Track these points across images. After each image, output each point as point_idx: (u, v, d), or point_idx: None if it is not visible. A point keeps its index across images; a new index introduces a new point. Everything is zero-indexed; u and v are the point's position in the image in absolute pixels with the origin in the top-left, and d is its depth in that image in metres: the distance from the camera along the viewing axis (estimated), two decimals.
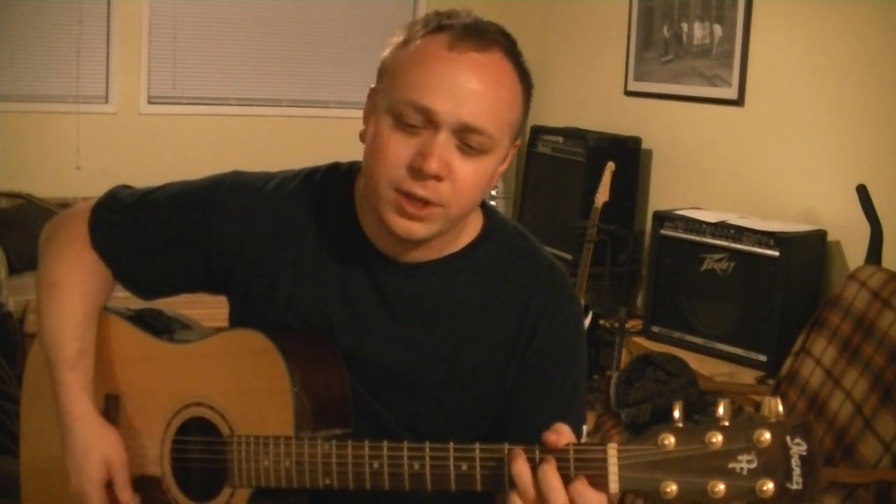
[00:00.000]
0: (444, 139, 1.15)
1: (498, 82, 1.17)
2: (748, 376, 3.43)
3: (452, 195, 1.17)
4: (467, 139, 1.15)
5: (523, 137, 5.34)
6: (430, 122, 1.14)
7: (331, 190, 1.31)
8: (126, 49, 4.90)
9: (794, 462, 0.96)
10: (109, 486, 1.33)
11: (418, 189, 1.15)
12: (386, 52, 1.22)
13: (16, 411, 1.51)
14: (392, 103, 1.16)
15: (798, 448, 0.96)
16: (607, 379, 3.07)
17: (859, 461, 2.44)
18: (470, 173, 1.17)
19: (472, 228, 1.30)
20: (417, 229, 1.18)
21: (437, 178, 1.15)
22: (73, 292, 1.35)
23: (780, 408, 0.98)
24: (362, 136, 1.24)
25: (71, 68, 4.81)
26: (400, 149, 1.15)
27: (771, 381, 3.15)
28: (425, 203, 1.16)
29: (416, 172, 1.14)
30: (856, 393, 2.55)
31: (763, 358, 3.46)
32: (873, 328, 2.59)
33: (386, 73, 1.21)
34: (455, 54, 1.15)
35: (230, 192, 1.32)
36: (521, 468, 1.05)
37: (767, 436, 0.97)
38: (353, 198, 1.29)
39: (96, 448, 1.31)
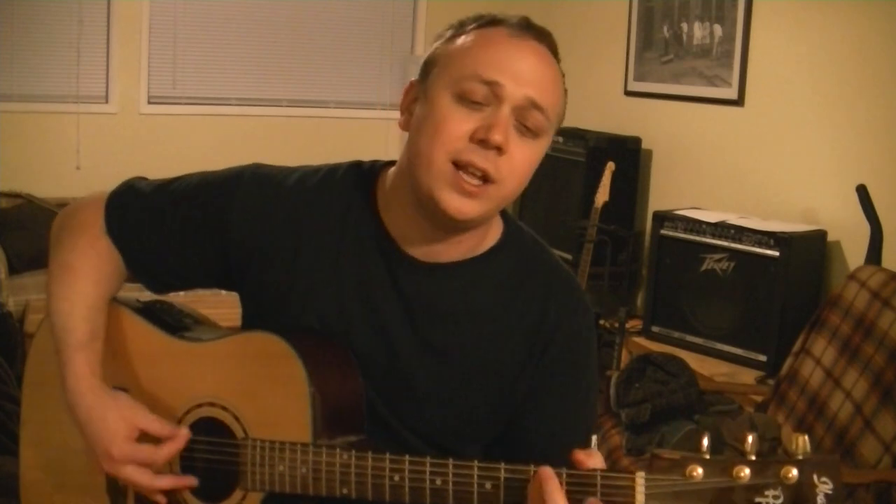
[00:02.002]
0: (507, 113, 1.16)
1: (554, 71, 1.22)
2: (748, 376, 3.43)
3: (508, 173, 1.17)
4: (527, 118, 1.17)
5: None
6: (496, 96, 1.16)
7: (353, 187, 1.30)
8: (126, 49, 4.90)
9: (820, 500, 0.97)
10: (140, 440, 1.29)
11: (479, 160, 1.15)
12: (434, 47, 1.24)
13: (16, 411, 1.49)
14: (454, 80, 1.18)
15: (824, 486, 0.97)
16: (607, 379, 3.06)
17: (859, 461, 2.44)
18: (524, 154, 1.19)
19: (493, 234, 1.30)
20: (469, 208, 1.17)
21: (500, 150, 1.15)
22: (85, 277, 1.33)
23: (808, 445, 0.99)
24: (402, 125, 1.25)
25: (71, 68, 4.81)
26: (462, 122, 1.16)
27: (771, 381, 3.15)
28: (483, 179, 1.16)
29: (481, 142, 1.15)
30: (856, 393, 2.55)
31: (763, 358, 3.47)
32: (873, 328, 2.59)
33: (437, 62, 1.22)
34: (517, 40, 1.19)
35: (250, 185, 1.30)
36: (554, 488, 1.04)
37: (795, 472, 0.98)
38: (375, 196, 1.29)
39: (112, 411, 1.27)
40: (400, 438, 1.26)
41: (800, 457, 0.98)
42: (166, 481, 1.27)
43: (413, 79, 1.26)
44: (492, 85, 1.16)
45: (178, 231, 1.32)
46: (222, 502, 1.27)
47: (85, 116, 4.85)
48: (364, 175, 1.31)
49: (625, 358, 3.72)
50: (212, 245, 1.31)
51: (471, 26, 1.22)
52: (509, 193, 1.20)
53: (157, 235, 1.34)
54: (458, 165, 1.16)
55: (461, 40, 1.21)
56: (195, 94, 5.13)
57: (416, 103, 1.23)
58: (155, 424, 1.27)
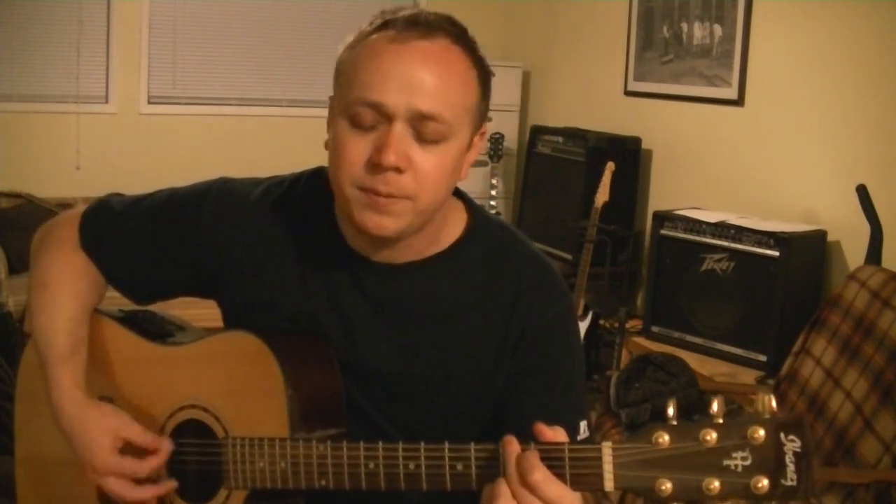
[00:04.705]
0: (399, 130, 1.14)
1: (446, 67, 1.16)
2: (748, 376, 3.43)
3: (417, 187, 1.15)
4: (423, 128, 1.14)
5: (523, 137, 5.34)
6: (383, 115, 1.14)
7: (313, 195, 1.31)
8: (126, 49, 4.90)
9: (789, 458, 0.97)
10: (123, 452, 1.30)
11: (380, 184, 1.14)
12: (338, 57, 1.22)
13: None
14: (345, 105, 1.16)
15: (792, 444, 0.97)
16: (607, 379, 3.06)
17: (859, 461, 2.44)
18: (431, 163, 1.16)
19: (457, 227, 1.29)
20: (388, 223, 1.17)
21: (397, 169, 1.13)
22: (64, 292, 1.35)
23: (774, 404, 0.99)
24: (327, 146, 1.24)
25: (71, 68, 4.81)
26: (358, 147, 1.15)
27: (771, 381, 3.15)
28: (390, 196, 1.15)
29: (375, 167, 1.14)
30: (856, 393, 2.55)
31: (763, 358, 3.46)
32: (873, 328, 2.59)
33: (338, 77, 1.21)
34: (399, 45, 1.15)
35: (217, 200, 1.32)
36: (513, 448, 1.05)
37: (761, 433, 0.97)
38: (334, 202, 1.29)
39: (96, 422, 1.29)
40: (391, 437, 1.26)
41: (766, 416, 0.98)
42: (148, 492, 1.28)
43: (331, 94, 1.24)
44: (376, 106, 1.13)
45: (151, 247, 1.35)
46: (208, 503, 1.27)
47: (85, 116, 4.85)
48: (325, 181, 1.30)
49: (625, 358, 3.72)
50: (183, 260, 1.33)
51: (365, 32, 1.19)
52: (427, 204, 1.18)
53: (132, 252, 1.36)
54: (363, 190, 1.15)
55: (353, 52, 1.18)
56: (195, 94, 5.13)
57: (332, 122, 1.22)
58: (138, 435, 1.29)
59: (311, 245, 1.29)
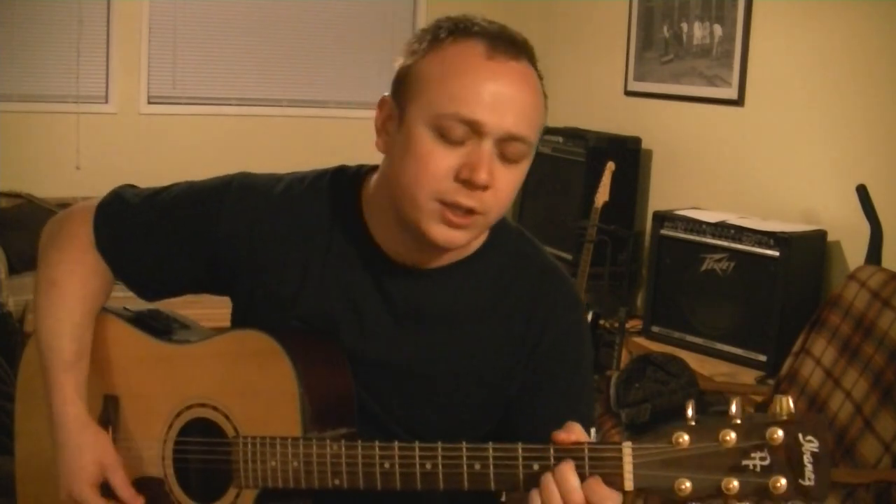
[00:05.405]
0: (489, 149, 1.15)
1: (532, 90, 1.19)
2: (748, 376, 3.43)
3: (494, 203, 1.18)
4: (507, 148, 1.16)
5: None
6: (476, 133, 1.15)
7: (338, 194, 1.31)
8: (126, 49, 4.90)
9: (807, 459, 0.98)
10: (103, 488, 1.32)
11: (466, 199, 1.15)
12: (406, 60, 1.20)
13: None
14: (432, 116, 1.15)
15: (810, 445, 0.98)
16: (607, 379, 3.06)
17: (859, 461, 2.44)
18: (509, 181, 1.18)
19: (480, 236, 1.30)
20: (458, 237, 1.19)
21: (485, 187, 1.15)
22: (72, 293, 1.34)
23: (792, 406, 1.00)
24: (380, 147, 1.24)
25: (71, 68, 4.81)
26: (444, 161, 1.15)
27: (771, 381, 3.15)
28: (469, 212, 1.16)
29: (466, 183, 1.15)
30: (856, 393, 2.55)
31: (763, 358, 3.46)
32: (873, 328, 2.59)
33: (412, 82, 1.19)
34: (495, 64, 1.16)
35: (238, 194, 1.31)
36: (567, 473, 1.06)
37: (780, 433, 0.98)
38: (360, 201, 1.29)
39: (89, 449, 1.31)
40: (394, 437, 1.26)
41: (784, 418, 0.99)
42: None
43: (385, 94, 1.23)
44: (472, 125, 1.14)
45: (167, 242, 1.33)
46: (217, 502, 1.27)
47: (85, 116, 4.85)
48: (349, 181, 1.31)
49: (625, 358, 3.72)
50: (200, 254, 1.32)
51: (444, 36, 1.18)
52: (494, 218, 1.22)
53: (147, 247, 1.35)
54: (444, 203, 1.16)
55: (436, 59, 1.17)
56: (195, 94, 5.13)
57: (390, 122, 1.22)
58: (120, 484, 1.31)
59: (334, 243, 1.29)
